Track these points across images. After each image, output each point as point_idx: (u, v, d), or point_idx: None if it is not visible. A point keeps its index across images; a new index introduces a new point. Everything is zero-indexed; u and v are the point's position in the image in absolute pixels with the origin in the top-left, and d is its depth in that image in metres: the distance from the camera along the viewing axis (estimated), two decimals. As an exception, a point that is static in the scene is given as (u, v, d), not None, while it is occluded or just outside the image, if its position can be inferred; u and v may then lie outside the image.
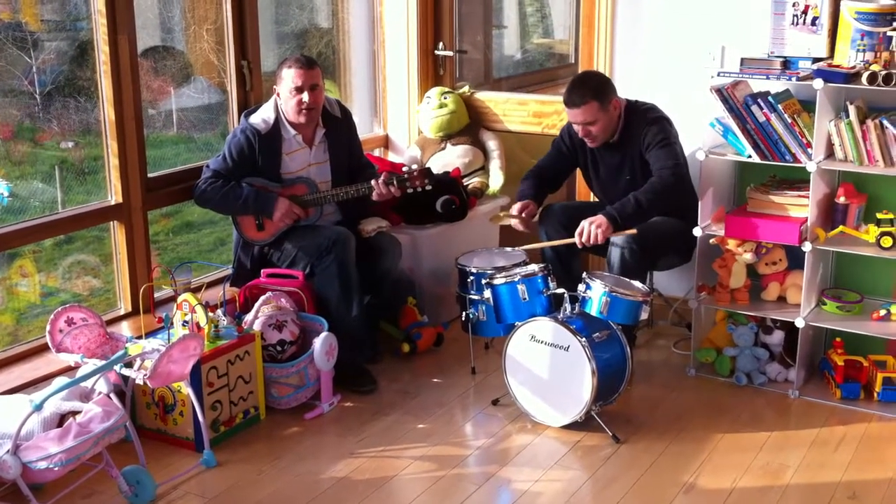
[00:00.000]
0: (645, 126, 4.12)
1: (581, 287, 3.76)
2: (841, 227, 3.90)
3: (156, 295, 4.15)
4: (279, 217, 4.07)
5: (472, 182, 4.97)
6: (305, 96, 4.05)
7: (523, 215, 4.21)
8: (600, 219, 3.95)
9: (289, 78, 4.05)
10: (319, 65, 4.15)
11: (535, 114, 5.09)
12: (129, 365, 3.40)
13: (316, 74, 4.08)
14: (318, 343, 3.82)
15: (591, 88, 4.08)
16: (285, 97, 4.08)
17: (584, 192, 4.85)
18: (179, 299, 3.71)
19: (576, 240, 3.98)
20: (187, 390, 3.47)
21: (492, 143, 5.12)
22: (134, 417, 3.63)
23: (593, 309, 3.71)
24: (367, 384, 4.10)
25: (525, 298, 3.84)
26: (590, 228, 3.95)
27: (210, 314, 3.69)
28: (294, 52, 5.04)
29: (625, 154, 4.19)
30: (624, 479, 3.43)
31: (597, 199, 4.53)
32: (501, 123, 5.19)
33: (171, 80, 4.80)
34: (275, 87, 4.14)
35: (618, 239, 4.02)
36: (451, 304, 4.53)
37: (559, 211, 4.30)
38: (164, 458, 3.52)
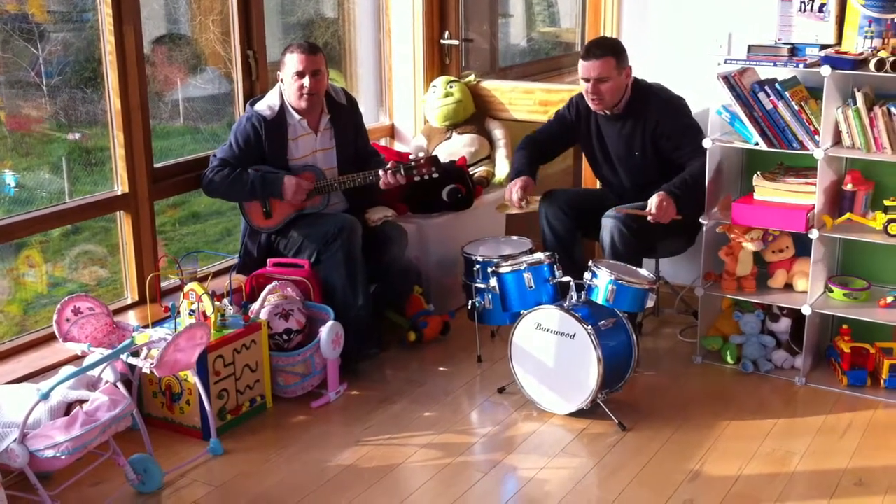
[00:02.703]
0: (660, 105, 4.12)
1: (587, 275, 3.76)
2: (848, 215, 3.89)
3: (162, 284, 4.17)
4: (291, 194, 4.07)
5: (478, 171, 4.97)
6: (307, 81, 4.05)
7: (524, 197, 4.16)
8: (668, 197, 3.93)
9: (291, 63, 4.06)
10: (323, 52, 4.15)
11: (541, 102, 5.08)
12: (135, 354, 3.41)
13: (319, 60, 4.09)
14: (324, 332, 3.82)
15: (610, 47, 4.11)
16: (287, 82, 4.09)
17: (590, 179, 4.84)
18: (186, 288, 3.72)
19: (651, 209, 3.94)
20: (194, 379, 3.49)
21: (498, 132, 5.12)
22: (141, 406, 3.65)
23: (599, 297, 3.70)
24: (371, 348, 4.12)
25: (531, 287, 3.83)
26: (665, 205, 3.92)
27: (216, 303, 3.71)
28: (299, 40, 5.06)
29: (634, 128, 4.17)
30: (630, 467, 3.43)
31: (600, 187, 4.52)
32: (507, 112, 5.18)
33: (184, 67, 4.80)
34: (278, 72, 4.15)
35: (608, 221, 4.03)
36: (457, 293, 4.54)
37: (561, 196, 4.29)
38: (171, 447, 3.54)
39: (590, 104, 4.18)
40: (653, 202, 3.95)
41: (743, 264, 4.09)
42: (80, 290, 4.22)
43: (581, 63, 4.12)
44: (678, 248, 4.36)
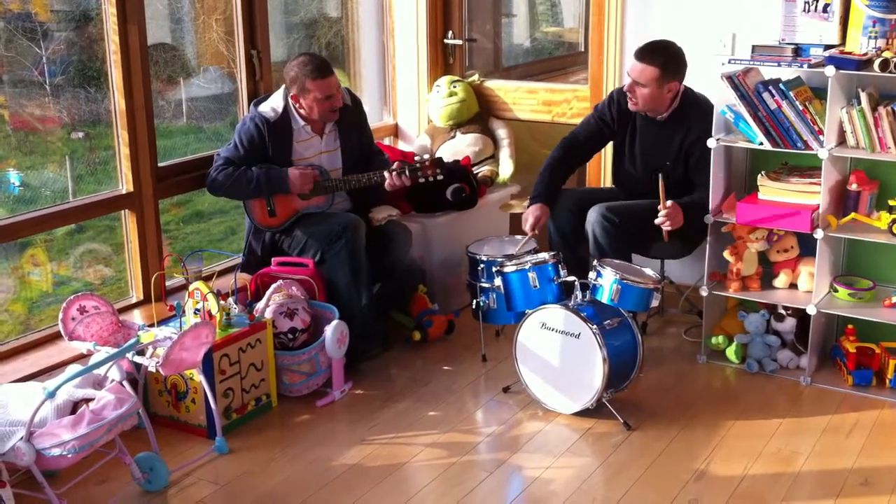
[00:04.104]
0: (706, 122, 4.06)
1: (592, 274, 3.76)
2: (853, 214, 3.89)
3: (167, 283, 4.17)
4: (298, 185, 4.07)
5: (482, 170, 4.97)
6: (336, 101, 4.11)
7: (536, 231, 4.17)
8: (678, 211, 3.97)
9: (317, 90, 4.04)
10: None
11: (545, 102, 5.09)
12: (141, 353, 3.41)
13: (335, 75, 4.11)
14: (329, 331, 3.82)
15: (663, 57, 4.05)
16: (311, 105, 4.08)
17: (594, 177, 4.85)
18: (191, 287, 3.73)
19: (663, 212, 3.96)
20: (199, 378, 3.48)
21: (501, 132, 5.12)
22: (146, 405, 3.65)
23: (604, 296, 3.70)
24: (375, 347, 4.13)
25: (536, 286, 3.84)
26: (674, 213, 3.95)
27: (221, 302, 3.70)
28: (302, 43, 5.07)
29: (673, 137, 4.16)
30: (635, 466, 3.43)
31: (611, 185, 4.52)
32: (511, 112, 5.19)
33: (173, 78, 4.80)
34: (293, 92, 4.10)
35: (592, 215, 4.07)
36: (461, 292, 4.54)
37: (568, 195, 4.30)
38: (177, 445, 3.54)
39: (629, 101, 4.18)
40: (668, 212, 3.97)
41: (748, 264, 4.09)
42: (85, 289, 4.23)
43: (634, 59, 4.12)
44: (675, 252, 4.35)
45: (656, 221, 3.99)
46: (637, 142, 4.26)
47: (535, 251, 4.12)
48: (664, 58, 4.04)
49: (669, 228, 3.99)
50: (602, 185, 4.79)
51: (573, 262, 4.07)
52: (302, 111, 4.13)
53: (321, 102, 4.08)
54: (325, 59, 4.16)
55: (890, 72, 3.62)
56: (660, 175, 3.98)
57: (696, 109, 4.15)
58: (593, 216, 4.08)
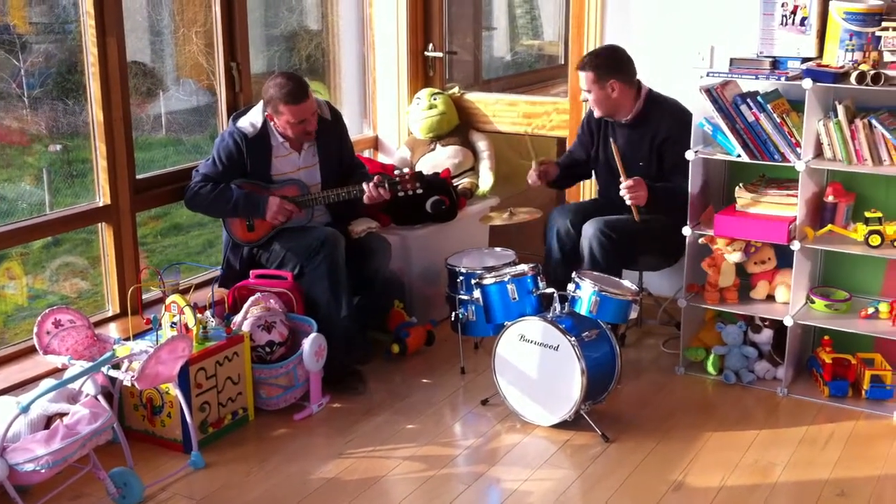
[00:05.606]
0: (674, 118, 4.12)
1: (571, 286, 3.76)
2: (829, 226, 3.91)
3: (144, 296, 4.14)
4: (272, 216, 4.07)
5: (462, 183, 4.97)
6: (310, 125, 4.09)
7: (539, 174, 4.27)
8: (643, 186, 4.02)
9: (289, 114, 4.02)
10: (306, 81, 4.15)
11: (525, 115, 5.10)
12: (116, 366, 3.39)
13: (311, 99, 4.09)
14: (307, 344, 3.81)
15: (595, 60, 4.16)
16: (285, 126, 4.07)
17: (573, 196, 4.85)
18: (168, 301, 3.71)
19: (624, 184, 4.03)
20: (175, 392, 3.46)
21: (481, 144, 5.13)
22: (121, 419, 3.62)
23: (583, 308, 3.71)
24: (356, 385, 4.09)
25: (514, 298, 3.83)
26: (637, 188, 4.02)
27: (198, 315, 3.69)
28: (282, 56, 5.06)
29: (642, 138, 4.20)
30: (613, 478, 3.43)
31: (601, 196, 4.54)
32: (491, 124, 5.19)
33: (152, 90, 4.78)
34: (268, 111, 4.08)
35: (588, 230, 4.08)
36: (440, 305, 4.52)
37: (569, 210, 4.34)
38: (152, 460, 3.51)
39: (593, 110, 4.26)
40: (631, 182, 4.02)
41: (725, 276, 4.10)
42: (60, 303, 4.20)
43: None
44: (658, 264, 4.38)
45: (620, 193, 4.04)
46: (610, 148, 4.29)
47: (515, 263, 4.13)
48: (595, 61, 4.15)
49: (632, 203, 4.03)
50: (581, 198, 4.80)
51: (566, 278, 4.01)
52: (280, 129, 4.13)
53: (294, 126, 4.06)
54: (303, 81, 4.09)
55: (867, 84, 3.64)
56: (611, 141, 4.07)
57: (660, 108, 4.20)
58: (590, 231, 4.09)
